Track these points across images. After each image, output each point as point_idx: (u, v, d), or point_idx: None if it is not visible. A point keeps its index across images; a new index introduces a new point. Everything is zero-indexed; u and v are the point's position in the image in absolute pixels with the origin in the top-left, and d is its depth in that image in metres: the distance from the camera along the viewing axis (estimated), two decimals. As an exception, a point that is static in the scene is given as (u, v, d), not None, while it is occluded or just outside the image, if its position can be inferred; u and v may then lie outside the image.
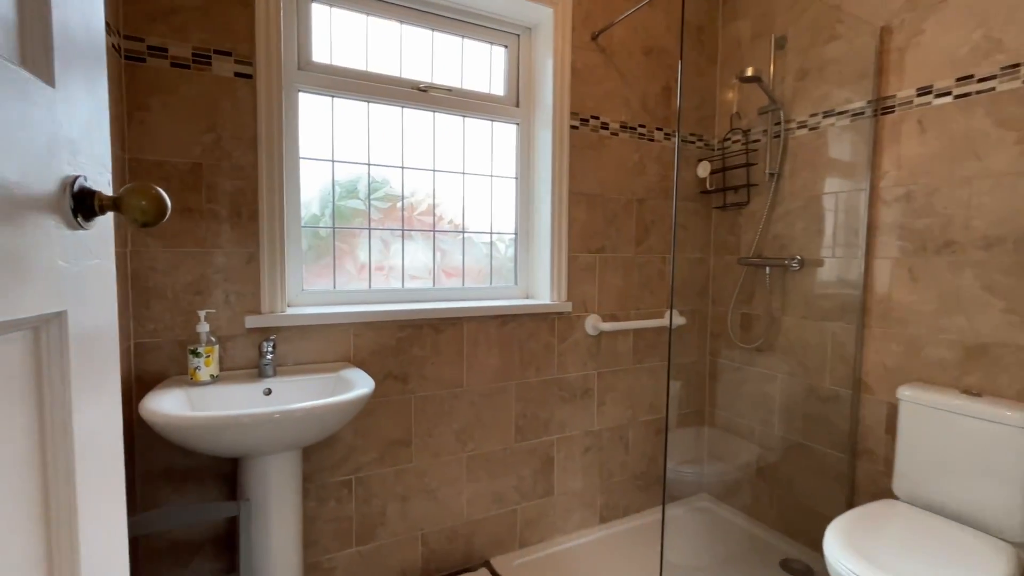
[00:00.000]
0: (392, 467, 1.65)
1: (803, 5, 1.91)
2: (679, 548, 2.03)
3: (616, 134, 2.01)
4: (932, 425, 1.44)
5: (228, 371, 1.40)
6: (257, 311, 1.44)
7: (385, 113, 1.74)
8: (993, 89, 1.43)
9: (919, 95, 1.59)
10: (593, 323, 1.98)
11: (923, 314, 1.59)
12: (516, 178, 2.00)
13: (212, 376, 1.31)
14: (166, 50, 1.31)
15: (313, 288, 1.67)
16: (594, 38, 1.93)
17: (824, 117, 1.85)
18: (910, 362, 1.62)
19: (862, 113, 1.73)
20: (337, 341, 1.55)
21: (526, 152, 1.99)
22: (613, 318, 2.06)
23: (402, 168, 1.79)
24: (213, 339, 1.32)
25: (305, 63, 1.61)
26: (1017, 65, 1.38)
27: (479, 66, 1.91)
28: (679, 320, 2.14)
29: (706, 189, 2.22)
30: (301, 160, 1.61)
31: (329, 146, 1.66)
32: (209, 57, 1.35)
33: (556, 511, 1.98)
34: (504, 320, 1.82)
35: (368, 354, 1.59)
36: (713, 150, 2.27)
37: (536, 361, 1.89)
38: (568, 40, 1.86)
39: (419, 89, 1.77)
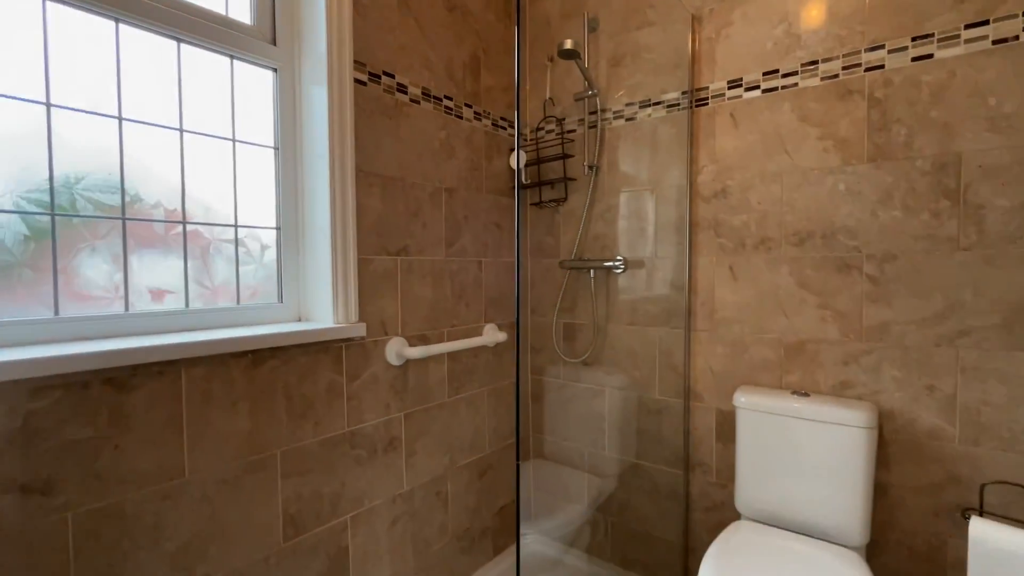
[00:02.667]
0: (21, 663, 0.86)
1: (613, -14, 1.76)
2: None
3: (417, 102, 1.55)
4: (769, 431, 1.35)
5: None
6: None
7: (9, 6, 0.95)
8: (796, 85, 1.43)
9: (730, 88, 1.54)
10: (397, 349, 1.48)
11: (746, 314, 1.53)
12: (276, 148, 1.38)
13: None
14: None
15: None
16: (383, -31, 1.44)
17: (640, 107, 1.71)
18: (736, 365, 1.55)
19: (678, 104, 1.64)
20: None
21: (290, 112, 1.39)
22: (423, 340, 1.58)
23: (47, 105, 1.01)
24: None
25: None
26: (815, 62, 1.40)
27: (205, -30, 1.24)
28: (500, 336, 1.78)
29: (522, 183, 1.92)
30: None
31: None
32: None
33: (354, 621, 1.39)
34: (259, 357, 1.18)
35: (-56, 455, 0.79)
36: (526, 139, 2.00)
37: (315, 413, 1.29)
38: (347, -40, 1.34)
39: (83, -24, 1.03)
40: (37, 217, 0.99)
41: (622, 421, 1.79)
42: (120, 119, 1.10)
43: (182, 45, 1.19)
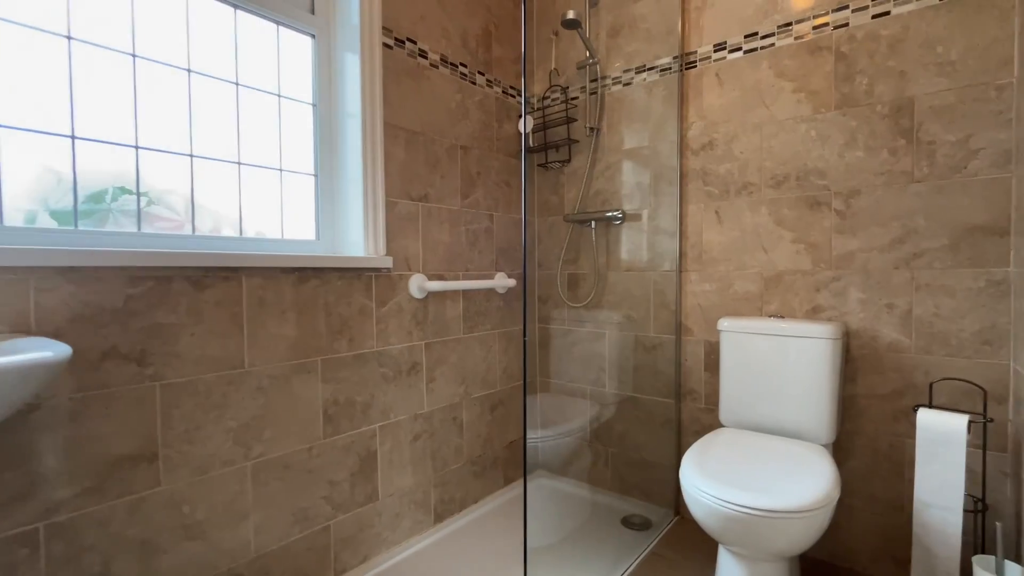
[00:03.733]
0: (122, 498, 1.06)
1: (612, -36, 1.95)
2: (521, 534, 1.83)
3: (436, 67, 1.75)
4: (749, 350, 1.52)
5: None
6: None
7: (98, -34, 1.16)
8: (773, 45, 1.60)
9: (716, 51, 1.71)
10: (419, 283, 1.67)
11: (730, 252, 1.70)
12: (314, 105, 1.58)
13: None
14: None
15: (-48, 222, 0.99)
16: (407, -52, 1.64)
17: (636, 73, 1.90)
18: (722, 299, 1.72)
19: (669, 68, 1.81)
20: (4, 298, 0.92)
21: (326, 72, 1.59)
22: (440, 279, 1.77)
23: (133, 56, 1.21)
24: None
25: None
26: (789, 24, 1.57)
27: (256, -53, 1.45)
28: (510, 282, 1.97)
29: (529, 146, 2.11)
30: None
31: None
32: None
33: (382, 519, 1.58)
34: (303, 276, 1.38)
35: (68, 320, 0.99)
36: (534, 108, 2.18)
37: (349, 330, 1.49)
38: (376, -61, 1.53)
39: (160, -50, 1.23)
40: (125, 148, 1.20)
41: (620, 359, 1.97)
42: (189, 71, 1.31)
43: (238, 11, 1.40)
